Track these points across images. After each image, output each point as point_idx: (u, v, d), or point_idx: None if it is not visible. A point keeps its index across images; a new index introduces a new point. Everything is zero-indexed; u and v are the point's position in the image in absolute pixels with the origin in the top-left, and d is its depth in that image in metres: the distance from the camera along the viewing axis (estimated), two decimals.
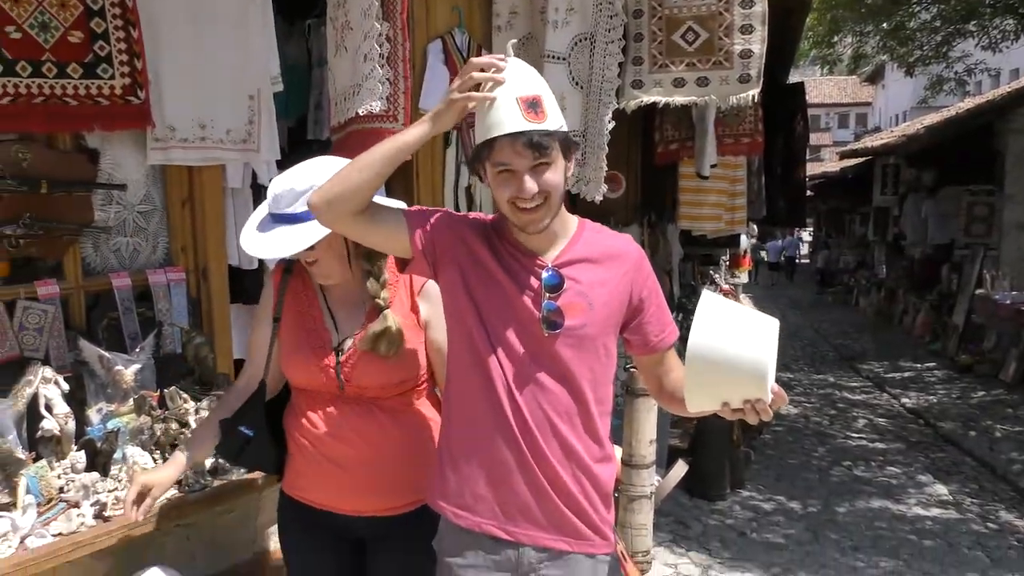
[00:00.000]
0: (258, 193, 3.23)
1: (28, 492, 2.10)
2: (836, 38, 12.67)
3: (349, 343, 1.97)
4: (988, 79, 16.99)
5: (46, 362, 2.49)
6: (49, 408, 2.28)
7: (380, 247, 1.87)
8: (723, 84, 3.89)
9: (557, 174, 1.69)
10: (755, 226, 12.81)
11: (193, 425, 2.45)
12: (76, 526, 2.09)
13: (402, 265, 1.90)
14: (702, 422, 5.66)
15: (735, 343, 1.51)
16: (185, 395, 2.52)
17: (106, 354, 2.53)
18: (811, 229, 28.13)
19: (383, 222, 1.77)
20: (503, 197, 1.69)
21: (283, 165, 3.28)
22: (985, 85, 18.63)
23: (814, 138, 25.65)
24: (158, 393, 2.54)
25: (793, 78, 10.01)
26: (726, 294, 15.46)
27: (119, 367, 2.52)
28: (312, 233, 1.86)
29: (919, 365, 10.93)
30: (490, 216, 1.90)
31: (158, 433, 2.43)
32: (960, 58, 11.43)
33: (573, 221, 1.84)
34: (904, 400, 8.91)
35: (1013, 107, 10.60)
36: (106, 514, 2.16)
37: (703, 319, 1.54)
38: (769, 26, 3.85)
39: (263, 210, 1.99)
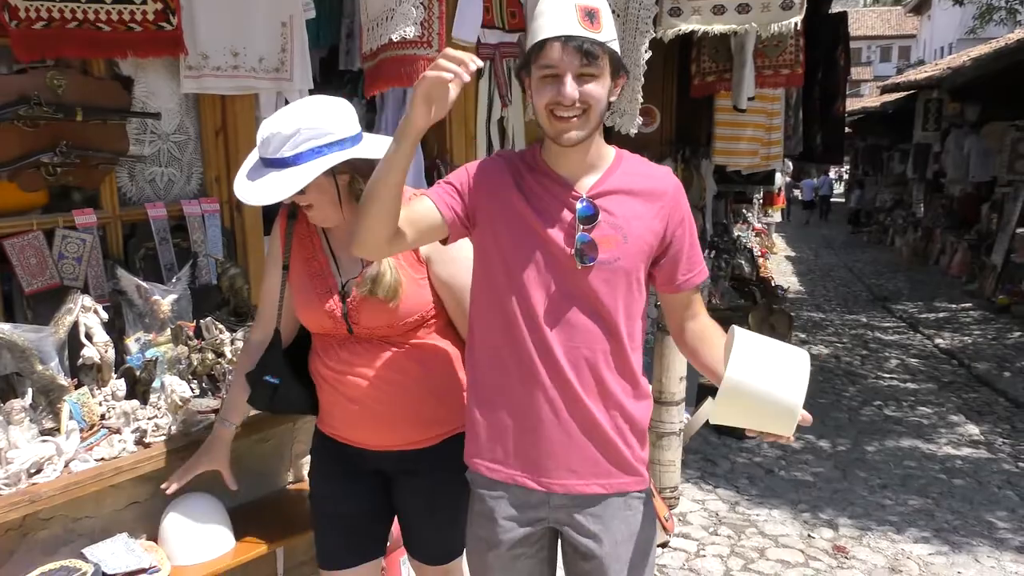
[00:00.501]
0: None
1: (71, 418, 2.14)
2: None
3: (353, 287, 1.96)
4: None
5: (85, 291, 2.52)
6: (89, 336, 2.31)
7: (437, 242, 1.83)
8: (764, 11, 3.77)
9: (601, 88, 1.65)
10: (790, 163, 12.58)
11: (229, 356, 2.47)
12: (118, 451, 2.13)
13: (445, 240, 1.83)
14: None
15: (767, 387, 1.55)
16: (220, 325, 2.53)
17: (143, 284, 2.55)
18: (847, 167, 27.58)
19: (425, 226, 1.74)
20: (542, 102, 1.65)
21: (315, 94, 3.26)
22: None
23: (855, 72, 24.97)
24: (194, 323, 2.56)
25: (835, 7, 9.68)
26: (759, 233, 15.29)
27: (156, 297, 2.54)
28: (301, 176, 1.81)
29: (954, 305, 10.79)
30: (529, 148, 1.86)
31: (195, 363, 2.46)
32: None
33: (611, 151, 1.80)
34: (938, 340, 8.82)
35: None
36: (146, 440, 2.20)
37: (738, 359, 1.56)
38: None
39: (254, 155, 1.94)
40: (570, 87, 1.60)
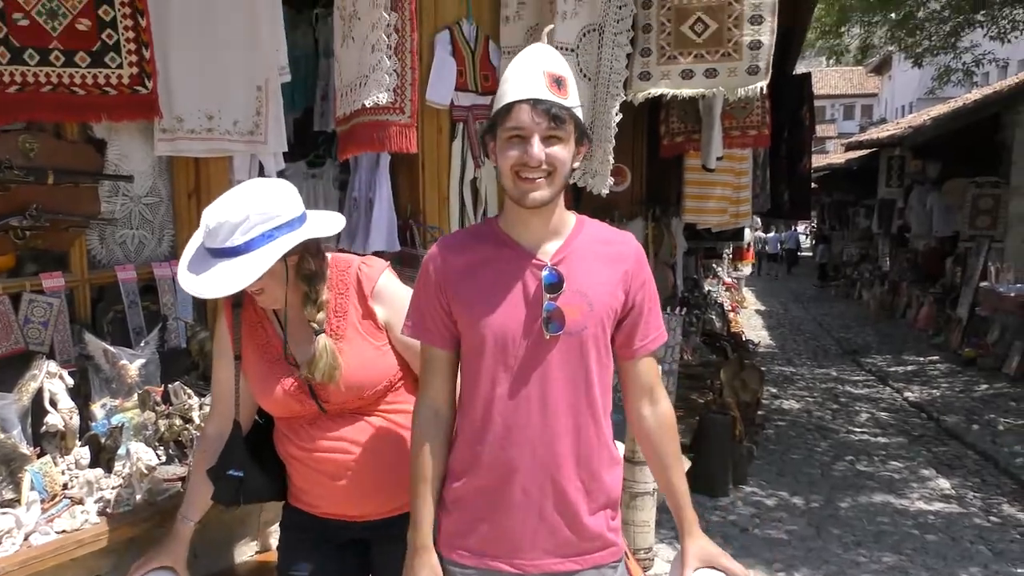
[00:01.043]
0: None
1: (32, 488, 2.08)
2: (844, 28, 12.59)
3: None
4: (996, 70, 16.85)
5: (51, 356, 2.47)
6: (53, 403, 2.26)
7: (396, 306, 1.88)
8: (731, 76, 3.85)
9: (566, 152, 1.66)
10: (759, 219, 12.79)
11: (197, 421, 2.43)
12: (80, 523, 2.07)
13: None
14: (704, 418, 5.66)
15: None
16: (189, 390, 2.50)
17: (111, 348, 2.52)
18: (813, 223, 28.16)
19: (454, 368, 1.82)
20: (507, 164, 1.65)
21: (289, 158, 3.28)
22: (993, 76, 18.50)
23: (819, 130, 25.56)
24: (162, 388, 2.52)
25: (799, 69, 9.95)
26: (729, 287, 15.45)
27: (124, 361, 2.51)
28: (258, 264, 1.75)
29: (922, 358, 10.92)
30: (485, 222, 1.87)
31: (162, 429, 2.41)
32: (968, 48, 11.34)
33: (572, 217, 1.81)
34: (907, 394, 8.90)
35: (1021, 98, 10.56)
36: (110, 510, 2.14)
37: None
38: (778, 16, 3.81)
39: (196, 243, 1.87)
40: (537, 148, 1.62)
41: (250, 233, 1.76)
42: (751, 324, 14.74)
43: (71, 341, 2.59)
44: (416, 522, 1.77)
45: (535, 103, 1.62)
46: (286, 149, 3.13)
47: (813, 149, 10.27)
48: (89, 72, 2.49)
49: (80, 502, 2.15)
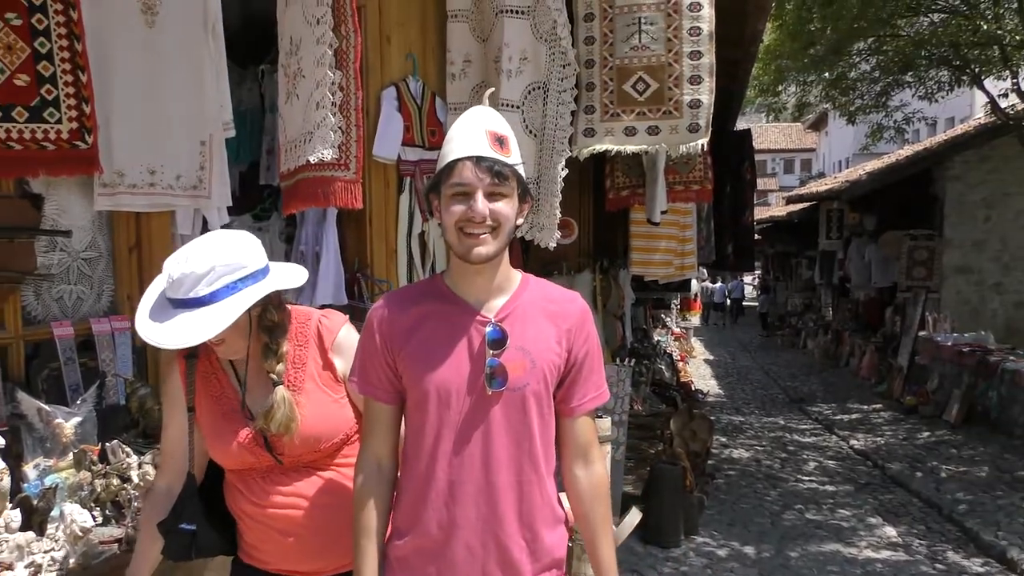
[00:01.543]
0: None
1: None
2: (781, 87, 13.04)
3: None
4: (925, 127, 17.64)
5: None
6: None
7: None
8: (673, 133, 3.96)
9: (510, 208, 1.69)
10: (704, 270, 13.02)
11: (136, 480, 2.37)
12: None
13: None
14: (655, 469, 5.66)
15: None
16: (128, 449, 2.44)
17: (45, 407, 2.45)
18: (759, 273, 28.82)
19: (398, 423, 1.81)
20: (452, 220, 1.67)
21: (234, 211, 3.26)
22: (923, 133, 19.33)
23: (761, 183, 26.29)
24: (99, 447, 2.45)
25: (740, 125, 10.29)
26: (678, 337, 15.62)
27: (59, 420, 2.44)
28: (223, 317, 1.74)
29: (866, 407, 11.11)
30: (431, 277, 1.89)
31: (99, 489, 2.35)
32: (899, 107, 11.84)
33: (517, 275, 1.82)
34: (852, 442, 9.04)
35: (950, 155, 11.04)
36: None
37: None
38: (716, 76, 3.95)
39: (154, 294, 1.86)
40: (481, 203, 1.64)
41: (215, 284, 1.75)
42: (700, 373, 14.89)
43: (3, 400, 2.51)
44: None
45: (478, 160, 1.65)
46: (230, 203, 3.12)
47: (755, 202, 10.56)
48: (27, 127, 2.47)
49: (10, 567, 2.07)
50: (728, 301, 27.84)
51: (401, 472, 1.80)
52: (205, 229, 3.14)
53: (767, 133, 42.48)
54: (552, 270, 5.70)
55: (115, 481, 2.36)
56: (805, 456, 8.58)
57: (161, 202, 2.89)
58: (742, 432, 9.85)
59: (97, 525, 2.27)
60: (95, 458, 2.41)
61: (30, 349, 2.69)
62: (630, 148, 4.07)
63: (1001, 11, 9.55)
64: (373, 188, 3.75)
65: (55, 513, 2.27)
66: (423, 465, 1.72)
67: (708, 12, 3.88)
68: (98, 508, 2.35)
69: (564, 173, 3.95)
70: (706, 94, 3.91)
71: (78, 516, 2.24)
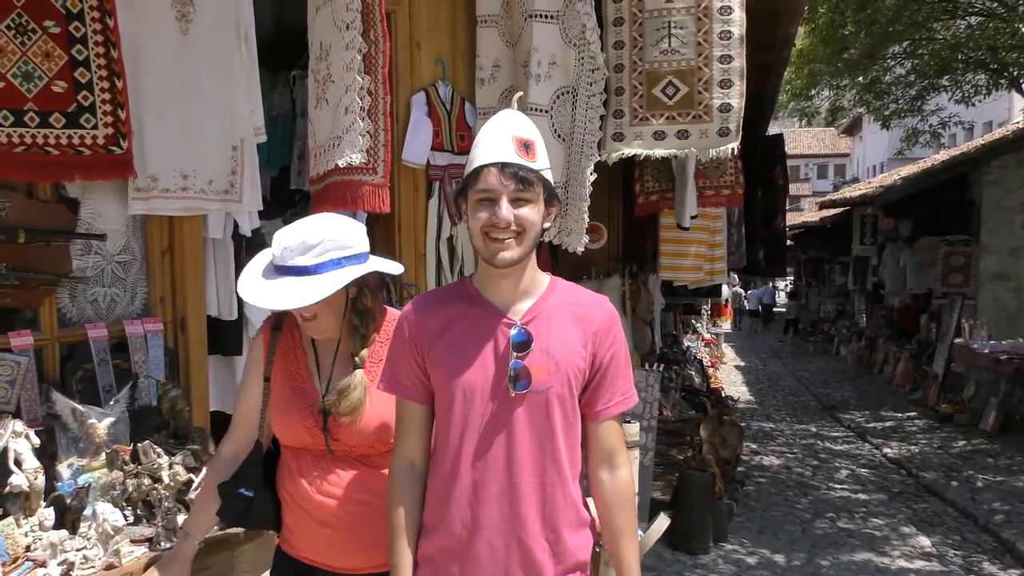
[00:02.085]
0: (239, 244, 3.22)
1: None
2: (813, 91, 12.95)
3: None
4: (962, 132, 17.35)
5: (17, 415, 2.43)
6: (18, 463, 2.23)
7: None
8: (703, 137, 3.95)
9: (535, 213, 1.70)
10: (736, 276, 12.92)
11: (167, 480, 2.39)
12: None
13: None
14: (684, 474, 5.63)
15: None
16: (159, 449, 2.47)
17: (79, 407, 2.49)
18: (790, 279, 28.55)
19: (429, 423, 1.82)
20: (478, 225, 1.69)
21: (265, 215, 3.30)
22: (959, 138, 19.01)
23: (794, 188, 26.11)
24: (131, 447, 2.49)
25: (772, 129, 10.19)
26: (708, 343, 15.51)
27: (92, 420, 2.48)
28: (324, 286, 1.81)
29: (900, 414, 10.95)
30: (459, 280, 1.90)
31: (130, 489, 2.38)
32: (934, 111, 11.71)
33: (545, 278, 1.83)
34: (886, 450, 8.90)
35: (987, 159, 10.83)
36: (73, 574, 2.10)
37: None
38: (748, 80, 3.92)
39: (263, 261, 1.94)
40: (505, 210, 1.66)
41: (322, 257, 1.83)
42: (731, 380, 14.76)
43: (39, 400, 2.56)
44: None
45: (503, 166, 1.66)
46: (261, 208, 3.15)
47: (788, 207, 10.46)
48: (64, 133, 2.52)
49: (43, 565, 2.11)
50: (760, 307, 27.62)
51: (430, 471, 1.81)
52: (236, 233, 3.18)
53: (800, 138, 42.07)
54: (581, 275, 5.69)
55: (146, 481, 2.39)
56: (837, 464, 8.47)
57: (193, 206, 2.93)
58: (773, 439, 9.75)
59: (128, 524, 2.30)
60: (127, 458, 2.45)
61: (65, 350, 2.74)
62: (659, 152, 4.06)
63: None
64: (402, 192, 3.77)
65: (87, 512, 2.30)
66: (448, 464, 1.73)
67: (739, 16, 3.87)
68: (129, 507, 2.38)
69: (593, 177, 3.95)
70: (736, 98, 3.88)
71: (110, 515, 2.27)
